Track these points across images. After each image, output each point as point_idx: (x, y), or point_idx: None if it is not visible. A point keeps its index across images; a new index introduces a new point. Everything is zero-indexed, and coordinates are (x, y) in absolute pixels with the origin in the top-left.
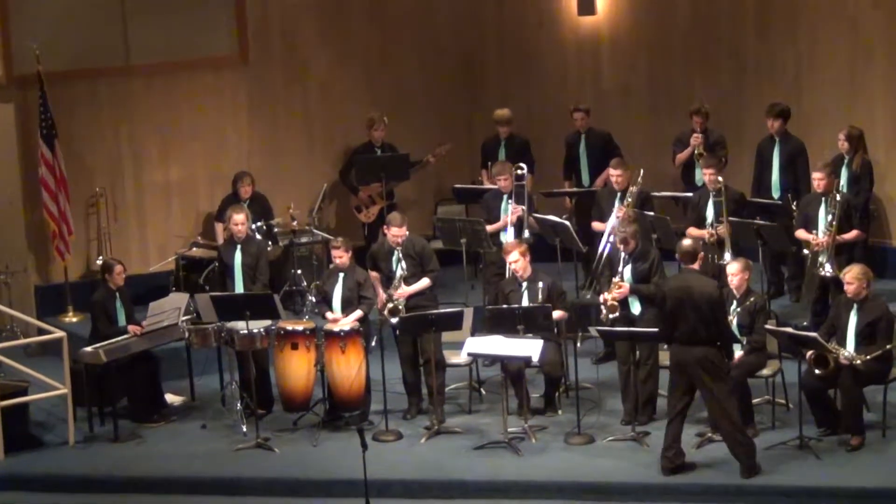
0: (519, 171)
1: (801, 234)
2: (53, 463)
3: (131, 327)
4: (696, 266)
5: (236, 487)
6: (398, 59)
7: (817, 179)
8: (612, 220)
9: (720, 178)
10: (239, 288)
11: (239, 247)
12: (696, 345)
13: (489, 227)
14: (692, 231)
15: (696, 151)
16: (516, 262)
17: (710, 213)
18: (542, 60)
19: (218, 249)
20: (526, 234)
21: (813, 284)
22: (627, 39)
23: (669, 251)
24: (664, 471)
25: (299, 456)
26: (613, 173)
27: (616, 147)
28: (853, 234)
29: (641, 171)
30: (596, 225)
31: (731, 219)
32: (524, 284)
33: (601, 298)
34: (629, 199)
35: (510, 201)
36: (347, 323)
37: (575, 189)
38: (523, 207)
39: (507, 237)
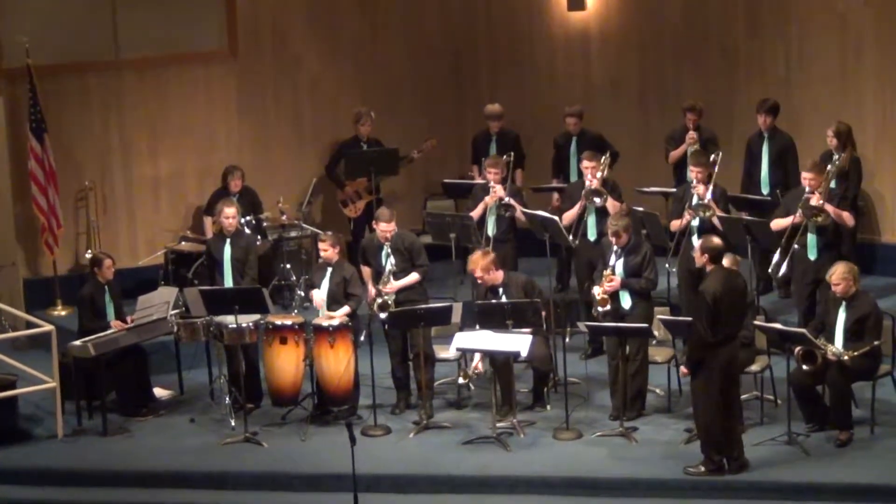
0: (506, 159)
1: (777, 222)
2: (42, 456)
3: (114, 323)
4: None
5: (224, 481)
6: (388, 53)
7: (808, 179)
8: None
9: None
10: (228, 282)
11: (228, 241)
12: (735, 340)
13: (473, 213)
14: (675, 224)
15: (690, 150)
16: (481, 278)
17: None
18: (531, 55)
19: (207, 243)
20: (506, 198)
21: (802, 290)
22: (617, 35)
23: (659, 247)
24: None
25: (288, 450)
26: (588, 165)
27: (609, 147)
28: (846, 213)
29: (608, 155)
30: (567, 216)
31: (718, 214)
32: (500, 290)
33: (592, 292)
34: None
35: (493, 186)
36: (335, 318)
37: (564, 185)
38: (503, 187)
39: (491, 225)
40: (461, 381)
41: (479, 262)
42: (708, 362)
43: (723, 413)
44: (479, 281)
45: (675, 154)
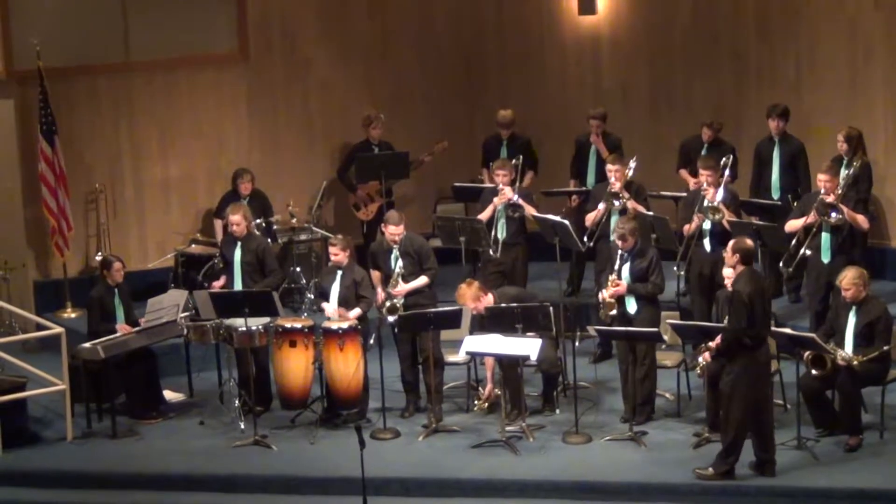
0: (514, 162)
1: (792, 223)
2: (51, 459)
3: (120, 326)
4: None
5: (234, 484)
6: (398, 57)
7: (823, 181)
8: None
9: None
10: (238, 285)
11: (239, 244)
12: (766, 341)
13: (481, 216)
14: (686, 228)
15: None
16: (474, 308)
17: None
18: (542, 60)
19: (220, 245)
20: (514, 198)
21: (816, 294)
22: (628, 39)
23: (670, 252)
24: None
25: (297, 453)
26: (611, 168)
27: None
28: (861, 216)
29: (634, 159)
30: (589, 217)
31: (729, 219)
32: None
33: (599, 297)
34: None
35: (501, 188)
36: (346, 320)
37: (573, 189)
38: (512, 188)
39: (500, 229)
40: (475, 409)
41: (467, 294)
42: (746, 365)
43: (761, 415)
44: (474, 311)
45: (684, 173)
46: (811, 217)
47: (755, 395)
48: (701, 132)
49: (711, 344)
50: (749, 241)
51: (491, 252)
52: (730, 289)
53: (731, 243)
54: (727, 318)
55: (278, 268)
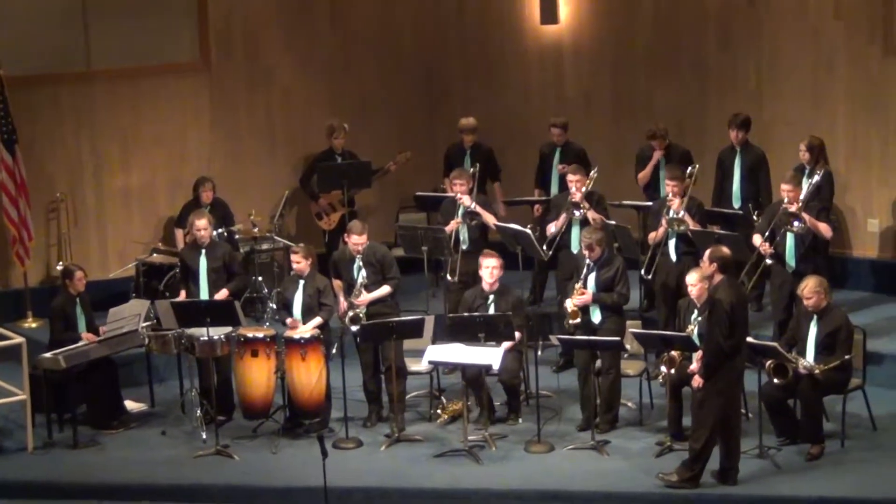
0: (472, 170)
1: (757, 238)
2: (11, 469)
3: (85, 335)
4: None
5: (196, 494)
6: (361, 66)
7: (786, 191)
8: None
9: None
10: (204, 294)
11: (203, 252)
12: (742, 351)
13: (447, 228)
14: (652, 236)
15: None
16: (491, 271)
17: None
18: (504, 69)
19: (180, 253)
20: (472, 206)
21: (779, 303)
22: (590, 48)
23: (632, 260)
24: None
25: (259, 463)
26: (572, 179)
27: (589, 164)
28: (823, 224)
29: (595, 170)
30: (550, 228)
31: (691, 228)
32: (491, 297)
33: (564, 305)
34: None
35: (460, 197)
36: (307, 330)
37: (535, 198)
38: (470, 197)
39: (462, 237)
40: (438, 423)
41: (495, 257)
42: (722, 374)
43: (731, 424)
44: (487, 275)
45: (641, 175)
46: (767, 248)
47: (727, 404)
48: (650, 144)
49: (694, 367)
50: (725, 249)
51: (448, 277)
52: (692, 297)
53: (707, 252)
54: (689, 326)
55: (243, 272)
